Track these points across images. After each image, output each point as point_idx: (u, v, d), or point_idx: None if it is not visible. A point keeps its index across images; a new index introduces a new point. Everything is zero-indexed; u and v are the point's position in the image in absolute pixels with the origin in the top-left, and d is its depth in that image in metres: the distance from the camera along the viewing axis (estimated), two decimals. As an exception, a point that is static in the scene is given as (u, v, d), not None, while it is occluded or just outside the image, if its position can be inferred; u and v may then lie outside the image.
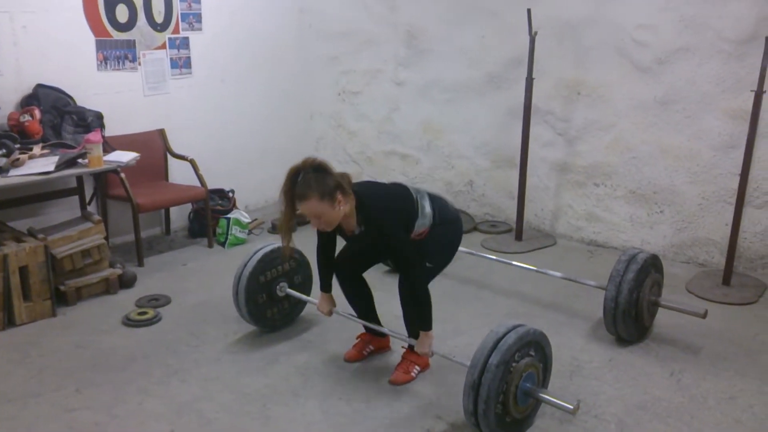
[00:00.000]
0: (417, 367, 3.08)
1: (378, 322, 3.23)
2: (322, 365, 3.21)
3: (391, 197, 2.87)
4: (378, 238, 2.81)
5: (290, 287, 3.52)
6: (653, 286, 3.42)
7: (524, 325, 2.61)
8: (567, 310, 3.85)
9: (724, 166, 4.28)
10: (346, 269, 3.15)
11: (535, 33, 4.53)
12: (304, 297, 3.51)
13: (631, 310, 3.29)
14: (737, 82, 4.13)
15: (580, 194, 4.97)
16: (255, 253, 3.43)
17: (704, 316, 3.31)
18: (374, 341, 3.30)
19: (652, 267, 3.41)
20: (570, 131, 4.91)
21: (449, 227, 3.02)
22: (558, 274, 3.81)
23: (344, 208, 2.67)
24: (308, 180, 2.60)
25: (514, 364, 2.53)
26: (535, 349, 2.65)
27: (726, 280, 4.10)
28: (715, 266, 4.38)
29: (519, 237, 4.98)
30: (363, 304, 3.22)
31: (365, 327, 3.28)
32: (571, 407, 2.51)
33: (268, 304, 3.48)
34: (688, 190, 4.45)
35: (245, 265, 3.39)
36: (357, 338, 3.32)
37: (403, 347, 3.15)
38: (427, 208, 2.91)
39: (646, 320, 3.44)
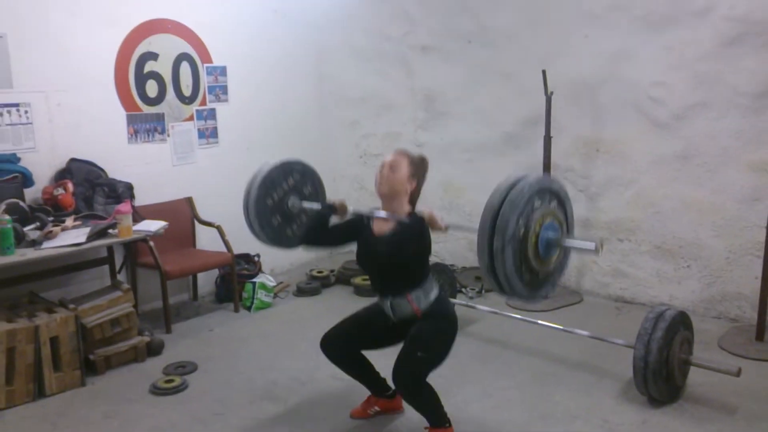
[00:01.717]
0: None
1: (383, 386, 3.24)
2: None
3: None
4: (400, 247, 2.86)
5: (302, 200, 3.46)
6: (683, 343, 3.36)
7: (522, 179, 2.47)
8: (596, 370, 3.78)
9: (750, 219, 4.24)
10: (338, 350, 3.11)
11: (551, 93, 4.61)
12: (317, 207, 3.43)
13: (662, 369, 3.23)
14: (757, 135, 4.14)
15: (605, 250, 4.93)
16: (254, 179, 3.36)
17: (738, 374, 3.23)
18: (380, 402, 3.29)
19: (680, 324, 3.36)
20: (591, 188, 4.93)
21: (447, 321, 2.97)
22: (585, 332, 3.76)
23: (407, 192, 2.94)
24: (414, 154, 3.04)
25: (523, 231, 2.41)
26: (549, 197, 2.55)
27: (759, 335, 4.00)
28: (747, 321, 4.29)
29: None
30: (364, 376, 3.22)
31: (371, 389, 3.28)
32: (593, 246, 2.43)
33: (285, 223, 3.43)
34: (714, 243, 4.41)
35: (249, 194, 3.34)
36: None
37: (426, 428, 3.02)
38: (434, 293, 2.96)
39: (678, 379, 3.36)
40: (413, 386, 2.87)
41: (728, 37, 4.16)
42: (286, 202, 3.45)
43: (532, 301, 2.54)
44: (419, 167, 2.99)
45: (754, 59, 4.09)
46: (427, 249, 2.93)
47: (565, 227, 2.61)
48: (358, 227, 3.08)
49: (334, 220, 3.18)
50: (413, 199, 3.01)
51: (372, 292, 3.04)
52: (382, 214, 2.98)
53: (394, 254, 2.88)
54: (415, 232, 2.86)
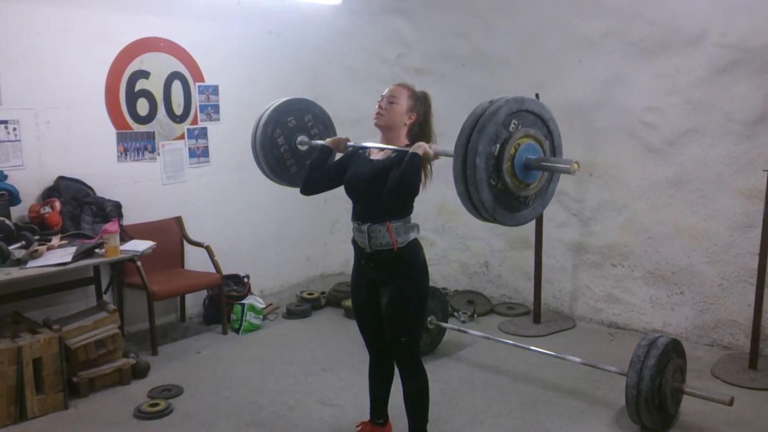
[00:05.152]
0: None
1: (383, 411, 3.19)
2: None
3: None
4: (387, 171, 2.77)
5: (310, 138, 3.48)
6: (676, 371, 3.32)
7: (496, 101, 2.44)
8: (588, 398, 3.73)
9: (743, 246, 4.22)
10: (378, 355, 3.11)
11: (545, 117, 4.60)
12: (317, 143, 3.33)
13: (654, 397, 3.18)
14: (749, 161, 4.14)
15: (598, 275, 4.91)
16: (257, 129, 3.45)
17: (730, 403, 3.19)
18: (369, 426, 3.22)
19: (673, 352, 3.32)
20: (584, 212, 4.90)
21: (419, 271, 2.91)
22: (577, 359, 3.72)
23: (405, 125, 2.88)
24: (416, 88, 2.97)
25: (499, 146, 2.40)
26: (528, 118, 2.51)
27: (752, 363, 3.96)
28: (741, 349, 4.25)
29: (537, 319, 4.90)
30: (380, 388, 3.17)
31: (373, 407, 3.21)
32: (569, 166, 2.42)
33: (298, 165, 3.47)
34: (708, 270, 4.38)
35: (260, 160, 3.46)
36: (357, 426, 3.27)
37: None
38: (413, 233, 2.90)
39: (671, 408, 3.32)
40: (413, 366, 2.94)
41: (721, 64, 4.17)
42: (294, 142, 3.46)
43: (511, 225, 2.52)
44: (419, 101, 2.91)
45: (747, 86, 4.09)
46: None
47: (549, 149, 2.58)
48: (354, 156, 3.01)
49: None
50: (414, 136, 2.89)
51: (352, 221, 2.93)
52: (380, 145, 2.91)
53: (382, 178, 2.76)
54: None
